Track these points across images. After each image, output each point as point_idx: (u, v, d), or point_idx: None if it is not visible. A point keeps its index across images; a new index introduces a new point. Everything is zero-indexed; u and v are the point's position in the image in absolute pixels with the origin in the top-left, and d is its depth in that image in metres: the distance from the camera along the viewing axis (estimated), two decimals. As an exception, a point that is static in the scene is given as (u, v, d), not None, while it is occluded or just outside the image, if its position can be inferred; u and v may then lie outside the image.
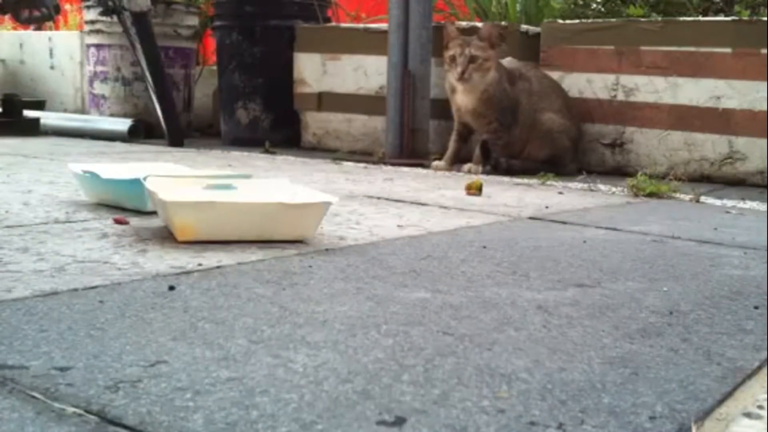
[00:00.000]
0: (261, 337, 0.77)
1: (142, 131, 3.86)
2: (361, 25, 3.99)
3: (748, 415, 0.66)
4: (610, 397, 0.66)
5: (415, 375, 0.68)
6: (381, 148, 3.37)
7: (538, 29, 3.41)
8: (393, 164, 3.06)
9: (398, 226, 1.52)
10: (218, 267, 1.08)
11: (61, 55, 4.97)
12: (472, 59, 2.79)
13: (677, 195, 2.29)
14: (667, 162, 3.05)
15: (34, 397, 0.60)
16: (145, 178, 1.39)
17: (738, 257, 1.37)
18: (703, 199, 2.26)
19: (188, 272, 1.04)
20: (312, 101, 3.84)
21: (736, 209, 2.10)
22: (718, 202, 2.23)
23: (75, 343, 0.72)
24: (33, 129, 3.83)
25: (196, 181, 1.46)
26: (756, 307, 1.00)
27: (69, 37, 4.95)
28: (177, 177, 1.48)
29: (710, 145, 2.99)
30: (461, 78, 2.80)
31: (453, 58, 2.83)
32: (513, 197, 2.12)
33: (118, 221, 1.42)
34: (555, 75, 3.22)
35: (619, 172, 3.09)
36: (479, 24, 3.28)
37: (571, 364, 0.74)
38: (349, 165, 2.98)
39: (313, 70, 3.82)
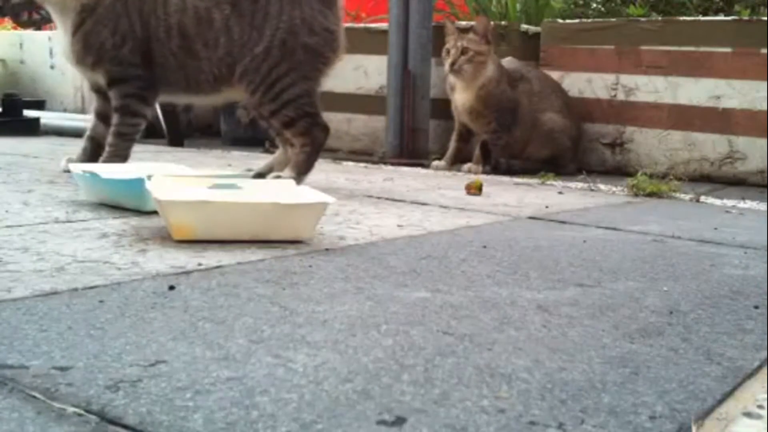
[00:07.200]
0: (261, 336, 0.77)
1: (142, 131, 3.85)
2: (361, 25, 3.99)
3: (748, 414, 0.66)
4: (610, 397, 0.66)
5: (415, 375, 0.68)
6: (381, 147, 3.37)
7: (538, 29, 3.41)
8: (393, 164, 3.06)
9: (398, 225, 1.52)
10: (218, 267, 1.08)
11: (61, 55, 4.96)
12: (463, 51, 2.84)
13: (677, 195, 2.29)
14: (667, 162, 3.05)
15: (34, 396, 0.60)
16: (149, 177, 1.39)
17: (738, 257, 1.37)
18: (703, 198, 2.26)
19: (188, 272, 1.04)
20: (312, 101, 3.83)
21: (736, 209, 2.10)
22: (718, 202, 2.23)
23: (75, 342, 0.72)
24: (33, 129, 3.82)
25: (201, 180, 1.46)
26: (756, 307, 1.00)
27: (69, 37, 4.94)
28: (180, 177, 1.49)
29: (710, 145, 2.99)
30: (452, 69, 2.85)
31: (447, 51, 2.90)
32: (513, 197, 2.12)
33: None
34: (555, 75, 3.22)
35: (619, 172, 3.09)
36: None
37: (571, 363, 0.74)
38: (349, 164, 2.98)
39: (313, 70, 3.81)
